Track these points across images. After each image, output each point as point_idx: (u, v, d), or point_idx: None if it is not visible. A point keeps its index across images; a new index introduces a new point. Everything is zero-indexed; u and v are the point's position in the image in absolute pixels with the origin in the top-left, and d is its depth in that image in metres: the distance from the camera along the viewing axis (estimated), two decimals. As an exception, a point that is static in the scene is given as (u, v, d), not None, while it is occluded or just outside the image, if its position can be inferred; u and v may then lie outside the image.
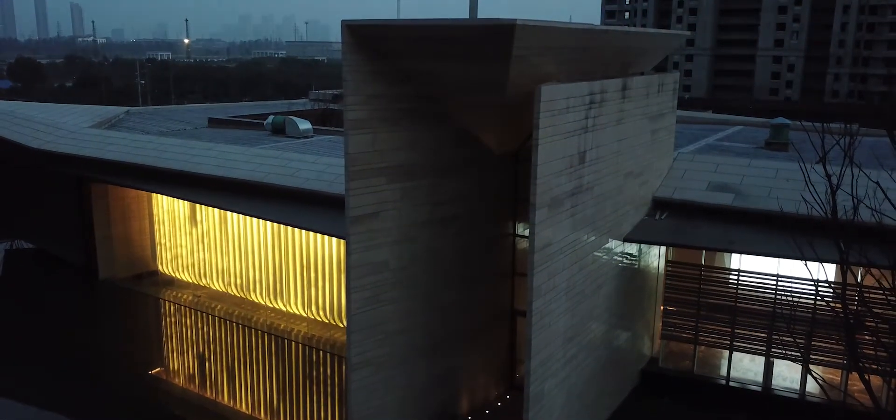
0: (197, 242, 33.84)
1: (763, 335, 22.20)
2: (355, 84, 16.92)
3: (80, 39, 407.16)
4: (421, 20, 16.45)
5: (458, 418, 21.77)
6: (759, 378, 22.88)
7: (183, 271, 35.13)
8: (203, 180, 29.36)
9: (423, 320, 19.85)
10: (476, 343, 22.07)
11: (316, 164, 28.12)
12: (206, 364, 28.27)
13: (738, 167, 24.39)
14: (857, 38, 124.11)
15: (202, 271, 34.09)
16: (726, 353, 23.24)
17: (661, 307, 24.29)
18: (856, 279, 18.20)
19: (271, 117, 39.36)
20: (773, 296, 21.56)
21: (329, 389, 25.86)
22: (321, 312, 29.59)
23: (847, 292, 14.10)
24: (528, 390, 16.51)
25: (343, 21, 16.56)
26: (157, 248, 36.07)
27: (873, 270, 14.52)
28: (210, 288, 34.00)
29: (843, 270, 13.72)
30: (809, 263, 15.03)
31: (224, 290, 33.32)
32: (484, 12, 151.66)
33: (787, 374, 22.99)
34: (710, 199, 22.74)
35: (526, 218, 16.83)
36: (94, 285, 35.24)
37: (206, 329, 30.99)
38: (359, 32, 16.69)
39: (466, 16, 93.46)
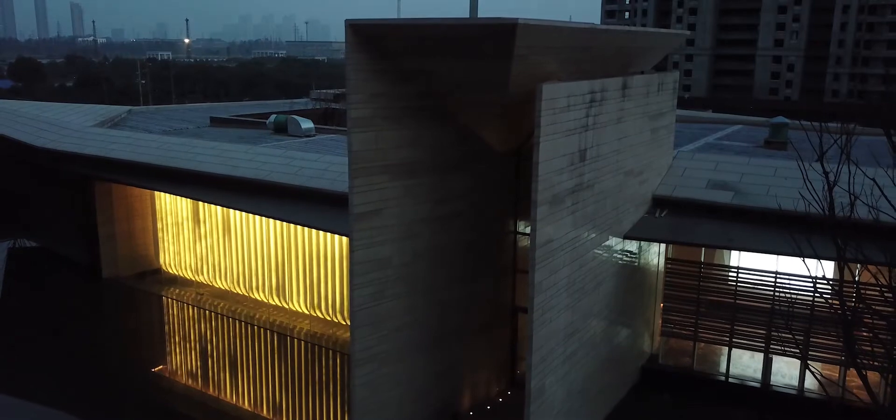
0: (200, 241, 34.05)
1: (762, 332, 22.40)
2: (358, 83, 17.13)
3: (80, 39, 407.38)
4: (424, 19, 16.64)
5: (460, 414, 21.96)
6: (759, 374, 23.07)
7: (186, 270, 35.33)
8: (206, 179, 29.55)
9: (426, 316, 20.06)
10: (478, 339, 22.28)
11: (318, 162, 28.31)
12: (209, 361, 28.46)
13: (737, 165, 24.57)
14: (857, 38, 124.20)
15: (205, 269, 34.29)
16: (726, 349, 23.43)
17: (661, 304, 24.49)
18: (853, 276, 18.39)
19: (273, 116, 39.58)
20: (771, 293, 21.75)
21: (332, 386, 26.04)
22: (324, 310, 29.78)
23: (844, 289, 14.27)
24: (530, 386, 16.70)
25: (347, 20, 16.75)
26: (161, 246, 36.27)
27: (870, 267, 14.69)
28: (213, 286, 34.21)
29: (840, 267, 13.90)
30: (807, 260, 15.23)
31: (227, 288, 33.52)
32: (484, 12, 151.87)
33: (785, 371, 23.21)
34: (710, 196, 22.92)
35: (527, 215, 17.02)
36: (98, 284, 35.42)
37: (208, 327, 31.18)
38: (362, 31, 16.88)
39: (466, 15, 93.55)
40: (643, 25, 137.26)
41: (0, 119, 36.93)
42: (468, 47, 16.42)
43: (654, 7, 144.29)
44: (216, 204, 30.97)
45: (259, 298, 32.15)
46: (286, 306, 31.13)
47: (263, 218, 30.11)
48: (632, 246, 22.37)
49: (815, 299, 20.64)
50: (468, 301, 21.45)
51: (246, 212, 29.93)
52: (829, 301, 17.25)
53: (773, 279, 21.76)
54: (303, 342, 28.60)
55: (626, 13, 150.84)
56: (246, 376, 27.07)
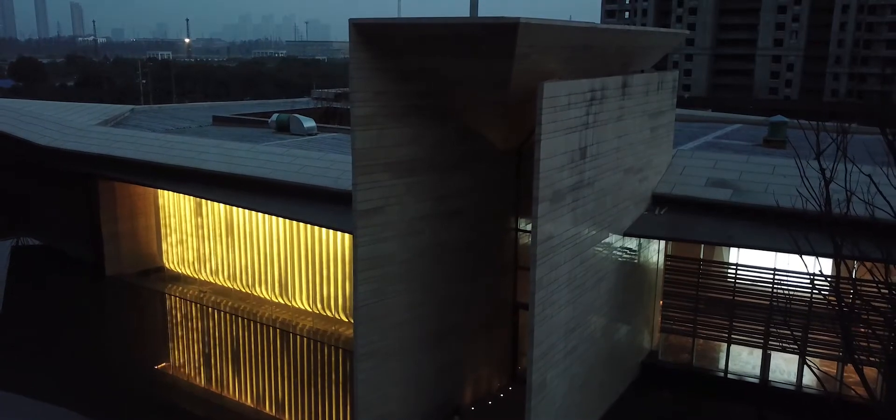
0: (203, 239, 34.25)
1: (760, 328, 22.61)
2: (362, 81, 17.34)
3: (80, 39, 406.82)
4: (427, 19, 16.84)
5: (462, 408, 22.17)
6: (757, 370, 23.29)
7: (189, 267, 35.55)
8: (210, 177, 29.77)
9: (428, 312, 20.28)
10: (479, 335, 22.48)
11: (321, 160, 28.52)
12: (212, 357, 28.66)
13: (736, 164, 24.77)
14: (856, 38, 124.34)
15: (208, 267, 34.50)
16: (724, 345, 23.65)
17: (661, 301, 24.69)
18: (850, 272, 18.57)
19: (275, 115, 39.82)
20: (770, 289, 21.96)
21: (334, 383, 26.24)
22: (326, 307, 29.99)
23: (842, 285, 14.46)
24: (531, 379, 16.90)
25: (351, 20, 16.94)
26: (164, 244, 36.48)
27: (866, 263, 14.86)
28: (216, 284, 34.42)
29: (837, 264, 14.09)
30: (805, 257, 15.42)
31: (230, 285, 33.73)
32: (484, 11, 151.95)
33: (783, 367, 23.42)
34: (709, 194, 23.14)
35: (528, 213, 17.23)
36: (101, 281, 35.63)
37: (211, 324, 31.40)
38: (366, 31, 17.09)
39: (467, 14, 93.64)
40: (643, 25, 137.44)
41: (3, 118, 37.09)
42: (470, 46, 16.62)
43: (654, 7, 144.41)
44: (220, 202, 31.18)
45: (262, 296, 32.37)
46: (289, 304, 31.34)
47: (266, 215, 30.31)
48: (631, 243, 22.58)
49: (813, 296, 20.86)
50: (469, 297, 21.66)
51: (249, 209, 30.13)
52: (827, 297, 17.48)
53: (771, 276, 21.97)
54: (305, 339, 28.83)
55: (626, 13, 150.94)
56: (249, 373, 27.27)
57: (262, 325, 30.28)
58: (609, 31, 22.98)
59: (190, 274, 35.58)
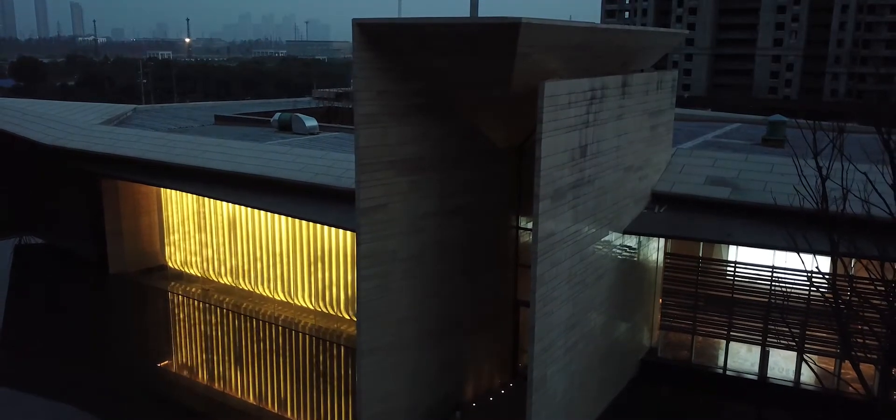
0: (206, 237, 34.45)
1: (759, 325, 22.82)
2: (365, 80, 17.57)
3: (80, 39, 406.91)
4: (429, 19, 17.05)
5: (464, 404, 22.38)
6: (756, 367, 23.48)
7: (192, 266, 35.75)
8: (213, 175, 29.98)
9: (430, 308, 20.50)
10: (481, 332, 22.70)
11: (323, 159, 28.73)
12: (215, 355, 28.86)
13: (735, 162, 24.96)
14: (856, 38, 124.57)
15: (211, 265, 34.70)
16: (723, 343, 23.85)
17: (660, 298, 24.90)
18: (847, 270, 18.78)
19: (278, 115, 40.09)
20: (768, 287, 22.17)
21: (337, 380, 26.45)
22: (329, 305, 30.20)
23: (839, 282, 14.65)
24: (532, 375, 17.12)
25: (354, 20, 17.18)
26: (167, 242, 36.68)
27: (863, 260, 15.08)
28: (218, 282, 34.62)
29: (834, 261, 14.29)
30: (803, 255, 15.63)
31: (232, 283, 33.94)
32: (484, 11, 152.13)
33: (782, 364, 23.62)
34: (708, 192, 23.33)
35: (529, 210, 17.43)
36: (105, 279, 35.84)
37: (214, 322, 31.60)
38: (369, 30, 17.31)
39: (467, 14, 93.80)
40: (643, 25, 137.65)
41: (7, 117, 37.29)
42: (472, 46, 16.83)
43: (653, 6, 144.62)
44: (223, 200, 31.38)
45: (264, 294, 32.58)
46: (291, 302, 31.55)
47: (269, 214, 30.52)
48: (631, 241, 22.79)
49: (811, 293, 21.06)
50: (471, 294, 21.88)
51: (252, 208, 30.33)
52: (825, 294, 17.69)
53: (769, 273, 22.17)
54: (308, 336, 29.04)
55: (626, 13, 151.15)
56: (252, 370, 27.47)
57: (264, 322, 30.49)
58: (609, 31, 23.19)
59: (193, 272, 35.78)
